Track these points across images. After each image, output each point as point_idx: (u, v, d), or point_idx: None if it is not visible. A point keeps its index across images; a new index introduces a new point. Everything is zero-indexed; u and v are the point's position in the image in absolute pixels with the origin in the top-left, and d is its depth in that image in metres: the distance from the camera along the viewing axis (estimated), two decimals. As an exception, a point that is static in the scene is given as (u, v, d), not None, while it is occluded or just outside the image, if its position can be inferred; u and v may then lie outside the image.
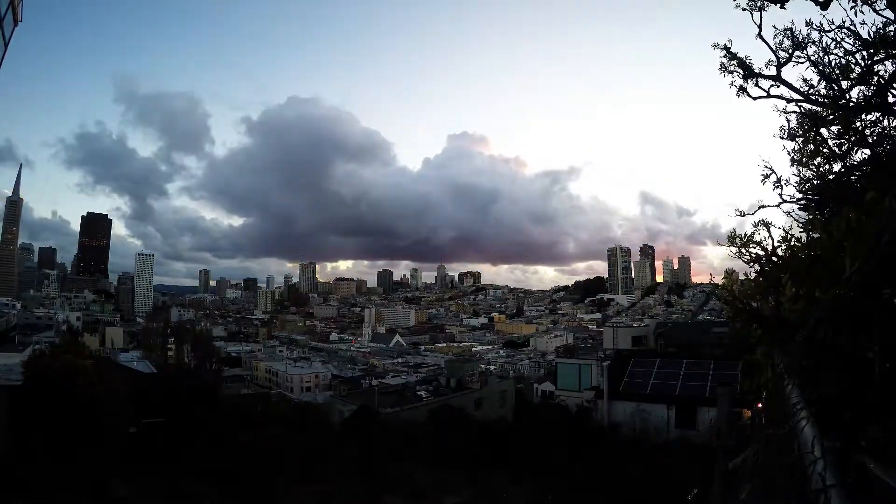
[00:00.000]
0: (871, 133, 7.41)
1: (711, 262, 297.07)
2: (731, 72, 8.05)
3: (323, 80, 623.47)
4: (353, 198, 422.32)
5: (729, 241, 8.04)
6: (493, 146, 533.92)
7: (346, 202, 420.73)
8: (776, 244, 7.65)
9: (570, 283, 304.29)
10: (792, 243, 7.21)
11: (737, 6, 7.82)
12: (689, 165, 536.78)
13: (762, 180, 8.14)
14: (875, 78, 6.88)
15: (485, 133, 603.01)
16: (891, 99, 6.91)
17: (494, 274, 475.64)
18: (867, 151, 7.51)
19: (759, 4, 7.63)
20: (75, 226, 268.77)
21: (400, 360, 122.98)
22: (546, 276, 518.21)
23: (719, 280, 9.26)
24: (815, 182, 7.97)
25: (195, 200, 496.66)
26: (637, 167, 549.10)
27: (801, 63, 7.47)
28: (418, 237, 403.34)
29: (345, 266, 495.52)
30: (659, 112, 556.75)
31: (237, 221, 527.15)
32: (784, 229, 7.86)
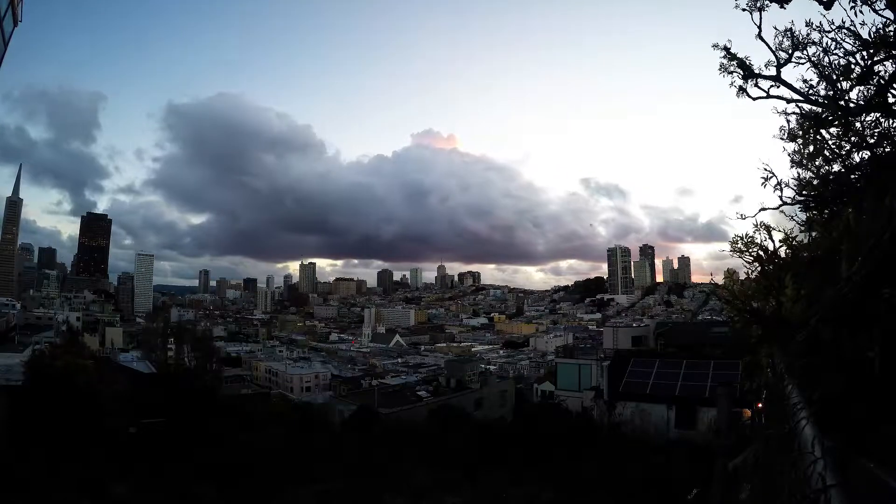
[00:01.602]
0: (871, 133, 7.41)
1: (700, 261, 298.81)
2: (731, 72, 8.05)
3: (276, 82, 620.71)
4: (307, 196, 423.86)
5: (731, 244, 8.05)
6: (459, 144, 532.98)
7: (299, 200, 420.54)
8: (777, 245, 7.65)
9: (546, 280, 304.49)
10: (792, 244, 7.23)
11: (737, 6, 7.82)
12: (687, 166, 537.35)
13: (762, 183, 8.14)
14: (875, 78, 6.89)
15: (451, 131, 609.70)
16: (891, 99, 6.91)
17: (488, 274, 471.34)
18: (867, 152, 7.51)
19: (759, 4, 7.62)
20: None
21: (400, 360, 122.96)
22: (534, 277, 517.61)
23: (719, 280, 9.29)
24: (815, 183, 7.97)
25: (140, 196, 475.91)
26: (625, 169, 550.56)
27: (802, 63, 7.47)
28: (367, 234, 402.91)
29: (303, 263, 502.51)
30: (658, 112, 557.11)
31: (194, 219, 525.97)
32: (784, 231, 7.88)
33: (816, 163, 7.98)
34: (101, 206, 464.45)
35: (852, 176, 7.60)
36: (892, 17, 6.50)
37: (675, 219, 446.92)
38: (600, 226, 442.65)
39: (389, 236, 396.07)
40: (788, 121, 8.07)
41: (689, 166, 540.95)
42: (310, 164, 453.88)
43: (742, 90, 8.04)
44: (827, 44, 7.08)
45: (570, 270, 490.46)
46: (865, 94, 7.06)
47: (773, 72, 7.77)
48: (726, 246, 8.20)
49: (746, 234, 8.08)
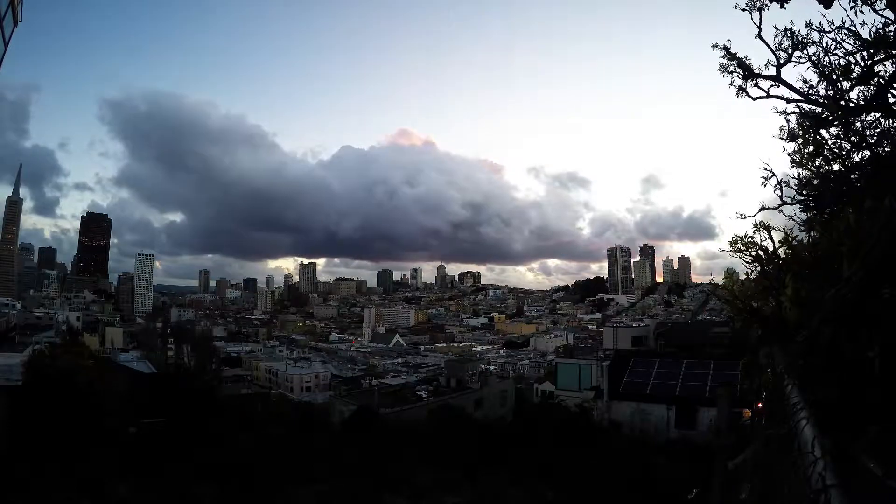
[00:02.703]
0: (871, 134, 7.41)
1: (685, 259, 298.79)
2: (731, 72, 8.05)
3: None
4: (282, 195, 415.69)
5: (731, 244, 8.05)
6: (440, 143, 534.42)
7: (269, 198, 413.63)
8: (777, 245, 7.65)
9: (538, 281, 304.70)
10: (792, 244, 7.22)
11: (736, 6, 7.82)
12: (682, 165, 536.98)
13: (762, 183, 8.14)
14: (875, 78, 6.88)
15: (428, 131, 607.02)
16: (891, 99, 6.91)
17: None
18: (867, 152, 7.51)
19: (758, 4, 7.62)
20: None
21: (400, 360, 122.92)
22: (525, 277, 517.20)
23: (719, 280, 9.30)
24: (815, 183, 7.97)
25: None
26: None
27: (802, 63, 7.47)
28: (329, 231, 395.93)
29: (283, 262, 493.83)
30: (657, 112, 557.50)
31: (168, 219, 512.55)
32: (784, 231, 7.88)
33: (816, 163, 7.98)
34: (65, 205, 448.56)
35: (852, 176, 7.60)
36: (892, 17, 6.50)
37: (656, 214, 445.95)
38: (584, 224, 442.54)
39: (349, 233, 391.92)
40: (788, 121, 8.07)
41: (670, 162, 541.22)
42: (260, 159, 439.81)
43: (742, 90, 8.04)
44: (827, 44, 7.08)
45: (558, 270, 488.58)
46: (865, 94, 7.06)
47: (772, 72, 7.77)
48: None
49: (746, 234, 8.09)
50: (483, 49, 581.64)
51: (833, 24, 6.90)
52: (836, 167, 7.87)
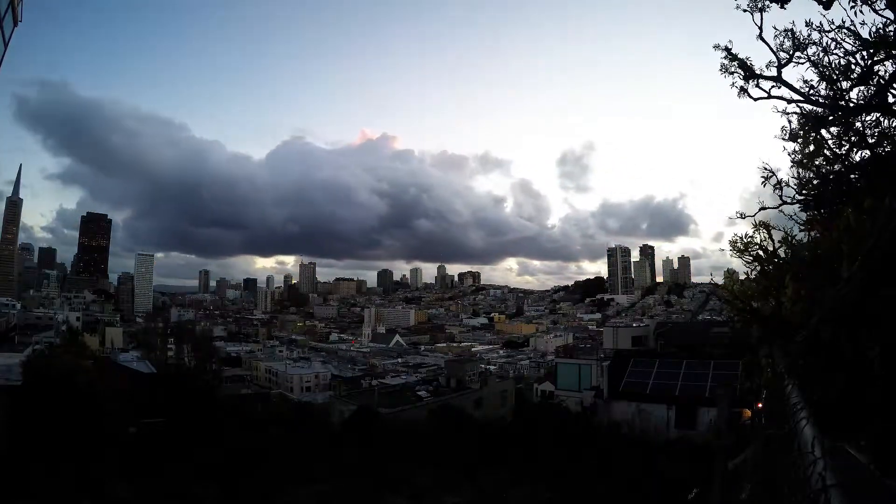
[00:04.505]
0: (872, 134, 7.41)
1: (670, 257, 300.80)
2: (732, 73, 8.04)
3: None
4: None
5: (731, 244, 8.05)
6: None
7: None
8: (777, 245, 7.65)
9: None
10: (792, 244, 7.22)
11: (738, 7, 7.81)
12: (679, 165, 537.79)
13: (762, 182, 8.14)
14: (875, 78, 6.89)
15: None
16: (891, 99, 6.91)
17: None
18: (867, 152, 7.51)
19: (759, 5, 7.62)
20: None
21: (400, 360, 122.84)
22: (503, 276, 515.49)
23: (719, 280, 9.30)
24: (815, 182, 7.97)
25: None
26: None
27: (802, 64, 7.48)
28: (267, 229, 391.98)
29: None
30: (654, 113, 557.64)
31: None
32: (785, 231, 7.88)
33: (816, 163, 7.98)
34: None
35: (852, 176, 7.60)
36: (892, 17, 6.50)
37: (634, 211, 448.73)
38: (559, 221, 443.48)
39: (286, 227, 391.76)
40: (790, 121, 8.07)
41: (679, 166, 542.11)
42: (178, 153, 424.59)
43: (743, 91, 8.03)
44: (827, 44, 7.08)
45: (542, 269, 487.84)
46: (865, 94, 7.06)
47: (773, 72, 7.77)
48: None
49: (746, 234, 8.09)
50: (471, 47, 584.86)
51: (833, 24, 6.91)
52: (836, 167, 7.87)
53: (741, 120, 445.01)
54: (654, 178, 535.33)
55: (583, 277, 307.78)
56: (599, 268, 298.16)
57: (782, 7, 7.49)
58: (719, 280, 9.32)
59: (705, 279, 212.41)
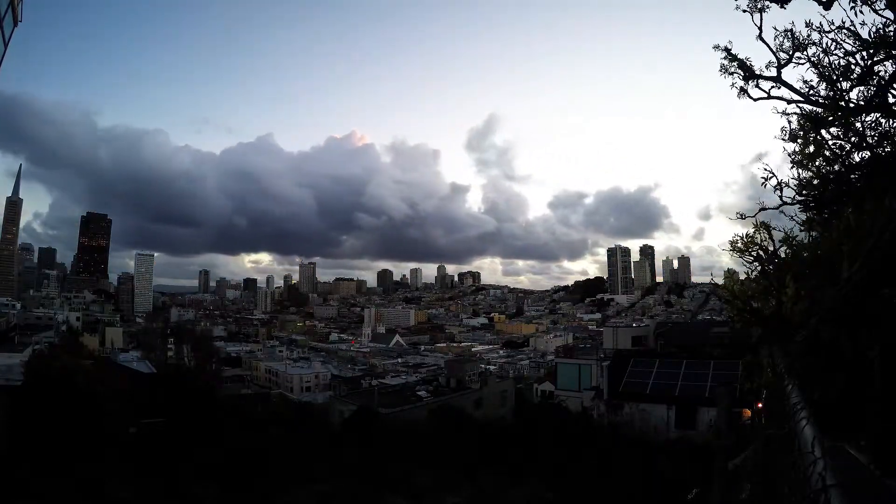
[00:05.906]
0: (872, 134, 7.41)
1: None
2: (732, 73, 8.04)
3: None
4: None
5: (731, 244, 8.05)
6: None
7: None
8: (777, 245, 7.65)
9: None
10: (792, 244, 7.22)
11: (737, 7, 7.82)
12: (677, 166, 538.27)
13: (762, 183, 8.14)
14: (875, 78, 6.89)
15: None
16: (891, 99, 6.91)
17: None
18: (867, 152, 7.51)
19: (759, 6, 7.62)
20: None
21: (400, 360, 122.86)
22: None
23: (719, 280, 9.30)
24: (815, 183, 7.97)
25: None
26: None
27: (802, 64, 7.48)
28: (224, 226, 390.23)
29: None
30: (654, 113, 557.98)
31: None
32: (784, 231, 7.88)
33: (816, 163, 7.98)
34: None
35: (852, 176, 7.60)
36: (892, 17, 6.50)
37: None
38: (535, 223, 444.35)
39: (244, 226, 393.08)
40: (789, 121, 8.07)
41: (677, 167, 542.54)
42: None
43: (743, 91, 8.03)
44: (827, 44, 7.08)
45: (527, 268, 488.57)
46: (865, 94, 7.06)
47: (773, 73, 7.77)
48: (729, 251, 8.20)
49: (747, 234, 8.09)
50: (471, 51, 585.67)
51: (833, 24, 6.91)
52: (836, 167, 7.87)
53: (737, 120, 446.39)
54: (652, 178, 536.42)
55: (571, 277, 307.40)
56: (586, 266, 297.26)
57: (782, 7, 7.50)
58: (719, 280, 9.33)
59: (705, 279, 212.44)
